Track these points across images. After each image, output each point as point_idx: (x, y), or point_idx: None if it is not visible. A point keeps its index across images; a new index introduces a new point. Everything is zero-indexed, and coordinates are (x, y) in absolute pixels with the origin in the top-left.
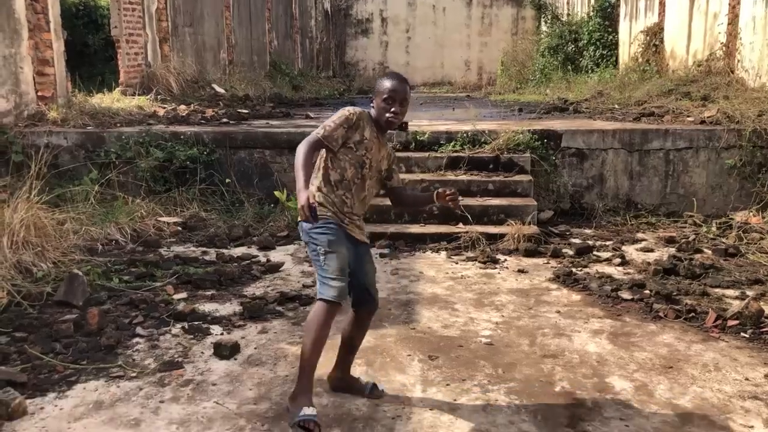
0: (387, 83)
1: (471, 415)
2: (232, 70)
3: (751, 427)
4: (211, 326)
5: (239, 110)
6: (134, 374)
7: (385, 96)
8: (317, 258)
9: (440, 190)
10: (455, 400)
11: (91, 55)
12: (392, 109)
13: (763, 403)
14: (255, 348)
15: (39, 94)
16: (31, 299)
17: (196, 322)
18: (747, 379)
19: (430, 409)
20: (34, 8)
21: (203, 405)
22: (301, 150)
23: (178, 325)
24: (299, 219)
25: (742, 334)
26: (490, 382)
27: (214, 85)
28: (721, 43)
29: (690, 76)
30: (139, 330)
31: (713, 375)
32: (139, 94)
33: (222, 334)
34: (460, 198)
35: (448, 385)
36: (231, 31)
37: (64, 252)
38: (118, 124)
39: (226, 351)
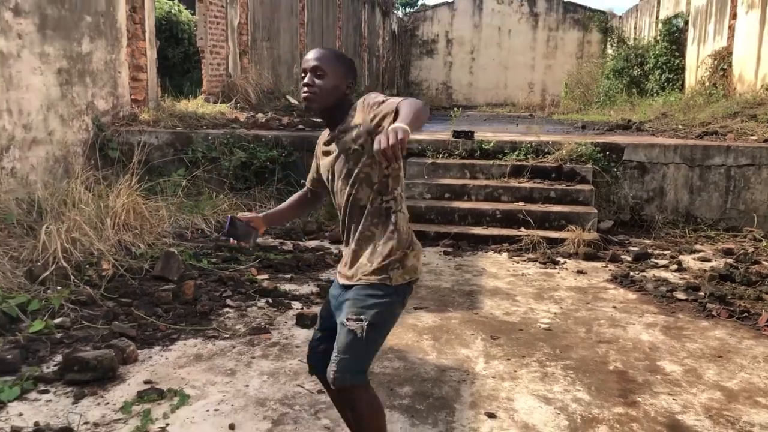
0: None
1: (529, 383)
2: None
3: None
4: (291, 302)
5: (313, 119)
6: (227, 335)
7: (301, 72)
8: None
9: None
10: (515, 371)
11: (170, 68)
12: (304, 80)
13: None
14: None
15: (133, 97)
16: (132, 273)
17: (279, 298)
18: None
19: (492, 377)
20: (133, 18)
21: (289, 362)
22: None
23: (263, 300)
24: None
25: None
26: (548, 359)
27: (289, 97)
28: None
29: (757, 100)
30: (228, 302)
31: (762, 365)
32: (220, 102)
33: (302, 308)
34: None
35: (508, 359)
36: (304, 47)
37: (157, 236)
38: (204, 127)
39: (307, 321)
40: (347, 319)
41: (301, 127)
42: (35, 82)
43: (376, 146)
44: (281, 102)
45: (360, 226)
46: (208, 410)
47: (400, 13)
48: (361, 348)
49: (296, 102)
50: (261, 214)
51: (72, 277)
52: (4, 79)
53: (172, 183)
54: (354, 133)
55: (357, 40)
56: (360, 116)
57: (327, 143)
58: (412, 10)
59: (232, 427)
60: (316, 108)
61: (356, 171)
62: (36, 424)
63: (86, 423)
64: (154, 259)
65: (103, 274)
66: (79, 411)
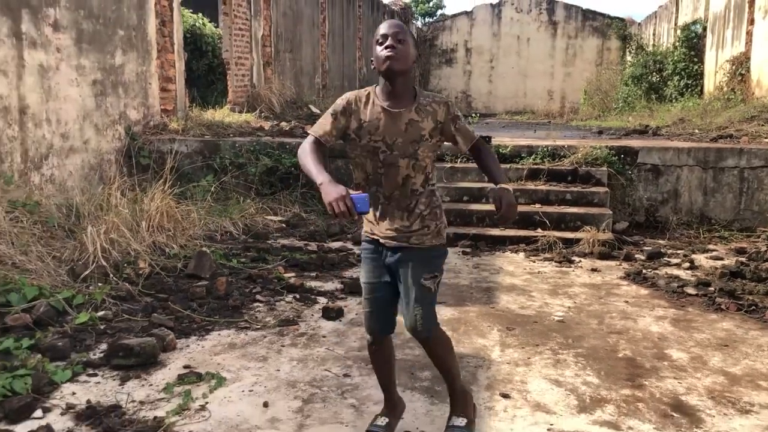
0: (378, 29)
1: (542, 369)
2: (325, 94)
3: None
4: (317, 297)
5: None
6: (258, 327)
7: (378, 39)
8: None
9: (497, 199)
10: (529, 358)
11: (194, 80)
12: (386, 44)
13: None
14: (356, 314)
15: (162, 107)
16: (167, 271)
17: (305, 294)
18: None
19: (507, 363)
20: (162, 32)
21: (317, 350)
22: (300, 152)
23: (290, 295)
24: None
25: None
26: (561, 348)
27: (311, 106)
28: None
29: None
30: (258, 297)
31: (766, 353)
32: (245, 111)
33: (327, 303)
34: (511, 216)
35: (523, 348)
36: (326, 58)
37: (189, 238)
38: (231, 135)
39: (333, 314)
40: (424, 279)
41: None
42: (72, 93)
43: (499, 211)
44: (304, 111)
45: (410, 201)
46: (243, 391)
47: (419, 23)
48: (434, 298)
49: (318, 111)
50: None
51: (111, 275)
52: (44, 90)
53: (201, 188)
54: (430, 122)
55: None
56: (442, 114)
57: (382, 109)
58: (431, 20)
59: (266, 404)
60: (397, 68)
61: (419, 155)
62: (88, 401)
63: (133, 401)
64: (187, 258)
65: (140, 272)
66: (125, 391)
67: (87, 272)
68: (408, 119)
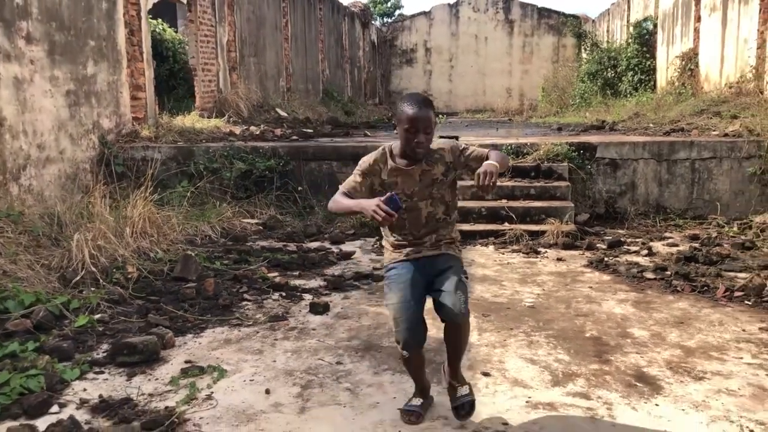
0: (408, 110)
1: (517, 349)
2: (290, 97)
3: (741, 358)
4: (303, 294)
5: (305, 130)
6: (250, 323)
7: (406, 126)
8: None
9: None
10: (504, 340)
11: (156, 85)
12: (416, 140)
13: (754, 345)
14: (341, 308)
15: (133, 115)
16: (154, 275)
17: (291, 291)
18: (744, 330)
19: (485, 346)
20: (131, 41)
21: (308, 341)
22: (332, 203)
23: (276, 294)
24: (378, 223)
25: (746, 302)
26: (533, 330)
27: (278, 109)
28: (751, 66)
29: (721, 98)
30: (246, 296)
31: (717, 328)
32: (213, 117)
33: (313, 299)
34: (491, 183)
35: (498, 332)
36: (289, 61)
37: (170, 242)
38: (204, 141)
39: (320, 308)
40: (464, 276)
41: (294, 138)
42: (46, 104)
43: (476, 182)
44: (271, 114)
45: (437, 233)
46: (244, 381)
47: (378, 23)
48: (468, 290)
49: (285, 114)
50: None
51: (101, 280)
52: (20, 102)
53: (177, 194)
54: (441, 167)
55: (339, 52)
56: (449, 155)
57: (399, 168)
58: (390, 21)
59: (267, 391)
60: (422, 156)
61: (435, 194)
62: (100, 396)
63: (143, 394)
64: (172, 262)
65: (129, 276)
66: (134, 386)
67: (77, 278)
68: (420, 171)
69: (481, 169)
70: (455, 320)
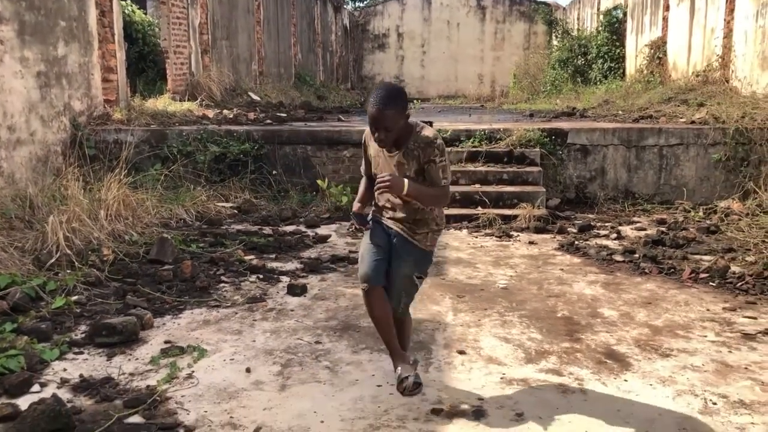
0: (369, 108)
1: (491, 329)
2: (262, 81)
3: (705, 336)
4: (280, 276)
5: (278, 114)
6: (228, 305)
7: (369, 121)
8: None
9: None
10: (479, 320)
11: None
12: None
13: (717, 324)
14: (319, 290)
15: (105, 97)
16: (130, 257)
17: (268, 274)
18: (708, 310)
19: (460, 325)
20: (102, 22)
21: (287, 322)
22: None
23: (254, 276)
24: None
25: (711, 283)
26: (506, 310)
27: (251, 93)
28: (717, 55)
29: (689, 86)
30: (223, 278)
31: (683, 308)
32: (186, 100)
33: (290, 281)
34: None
35: (473, 312)
36: (261, 45)
37: (145, 225)
38: (177, 124)
39: (297, 290)
40: (416, 276)
41: (268, 122)
42: (17, 85)
43: (380, 179)
44: (243, 98)
45: (409, 215)
46: (224, 360)
47: (350, 8)
48: (416, 291)
49: (258, 98)
50: (360, 204)
51: (76, 263)
52: None
53: (151, 177)
54: (414, 165)
55: (311, 36)
56: (423, 157)
57: (387, 151)
58: (362, 5)
59: (248, 370)
60: (386, 147)
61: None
62: (80, 375)
63: (123, 374)
64: (147, 245)
65: (105, 259)
66: (114, 365)
67: (52, 261)
68: (397, 161)
69: (384, 178)
70: (395, 313)
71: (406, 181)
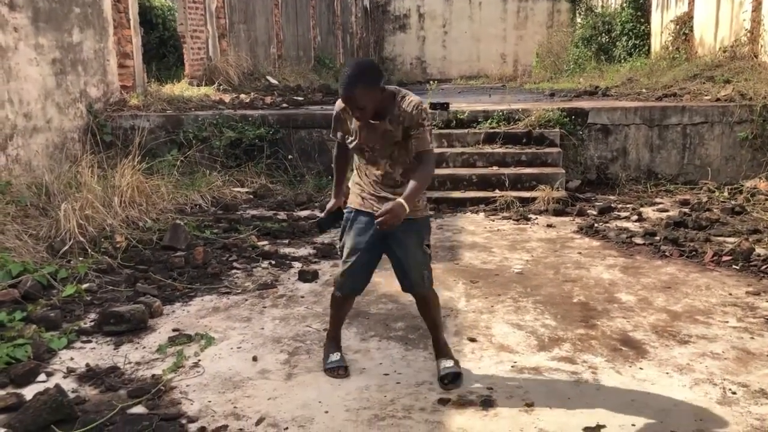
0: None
1: (504, 315)
2: (281, 64)
3: (726, 321)
4: (292, 262)
5: (295, 98)
6: (238, 291)
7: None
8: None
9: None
10: (492, 306)
11: (146, 53)
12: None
13: (740, 309)
14: (330, 276)
15: (121, 83)
16: (143, 244)
17: (280, 259)
18: (730, 294)
19: (472, 312)
20: (117, 8)
21: (296, 309)
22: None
23: (266, 262)
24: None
25: (734, 266)
26: (521, 296)
27: (268, 77)
28: (746, 30)
29: (715, 62)
30: (235, 264)
31: (703, 292)
32: (203, 85)
33: (302, 267)
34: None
35: (486, 298)
36: (280, 28)
37: (160, 211)
38: (193, 109)
39: (309, 276)
40: (427, 245)
41: (285, 106)
42: (32, 72)
43: (378, 220)
44: (261, 83)
45: (395, 183)
46: (232, 348)
47: None
48: (430, 261)
49: (276, 82)
50: (335, 198)
51: (89, 250)
52: (4, 71)
53: (166, 163)
54: (401, 130)
55: (330, 18)
56: (408, 121)
57: (371, 119)
58: None
59: (255, 359)
60: (366, 121)
61: (395, 155)
62: (87, 365)
63: (129, 363)
64: (161, 231)
65: (118, 245)
66: (121, 354)
67: (65, 248)
68: (383, 129)
69: (388, 208)
70: (418, 293)
71: (401, 201)
